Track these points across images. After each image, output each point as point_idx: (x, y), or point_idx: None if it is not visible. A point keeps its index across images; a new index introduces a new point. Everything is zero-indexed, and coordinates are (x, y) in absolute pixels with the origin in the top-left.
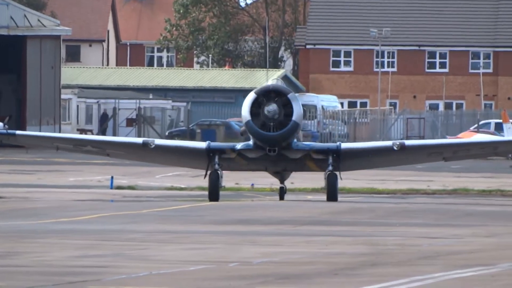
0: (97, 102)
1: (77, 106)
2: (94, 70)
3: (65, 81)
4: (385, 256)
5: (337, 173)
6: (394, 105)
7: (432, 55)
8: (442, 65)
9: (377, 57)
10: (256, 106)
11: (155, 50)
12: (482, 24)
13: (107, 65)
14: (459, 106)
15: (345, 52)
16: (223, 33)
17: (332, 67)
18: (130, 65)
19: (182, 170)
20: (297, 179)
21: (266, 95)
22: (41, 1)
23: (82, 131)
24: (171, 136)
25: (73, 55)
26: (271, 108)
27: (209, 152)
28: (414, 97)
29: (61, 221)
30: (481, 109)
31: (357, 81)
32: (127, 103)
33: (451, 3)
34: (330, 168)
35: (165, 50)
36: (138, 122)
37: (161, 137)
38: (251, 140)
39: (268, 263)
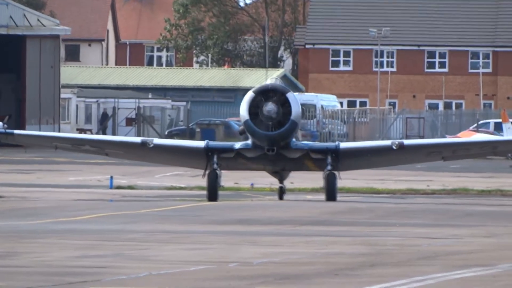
0: (97, 101)
1: (77, 105)
2: (94, 69)
3: (64, 80)
4: (384, 256)
5: (336, 172)
6: (393, 104)
7: (431, 54)
8: (442, 65)
9: (376, 56)
10: (254, 106)
11: (155, 49)
12: (481, 24)
13: (107, 64)
14: (458, 105)
15: (344, 51)
16: (223, 33)
17: (332, 66)
18: (129, 65)
19: (182, 169)
20: (296, 179)
21: (265, 94)
22: (40, 1)
23: (81, 130)
24: (170, 136)
25: (73, 55)
26: (270, 107)
27: (208, 152)
28: (414, 96)
29: (61, 221)
30: (480, 108)
31: (357, 81)
32: (126, 102)
33: (450, 3)
34: (329, 167)
35: (164, 49)
36: (137, 121)
37: (160, 136)
38: (250, 140)
39: (268, 263)
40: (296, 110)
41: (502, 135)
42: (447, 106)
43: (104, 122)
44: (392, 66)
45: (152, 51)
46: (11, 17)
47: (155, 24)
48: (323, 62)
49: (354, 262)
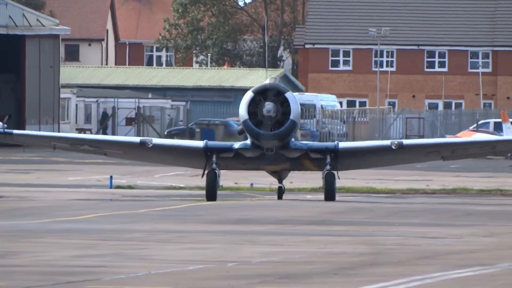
0: (96, 101)
1: (76, 105)
2: (93, 69)
3: (64, 80)
4: (384, 255)
5: (335, 172)
6: (393, 104)
7: (431, 54)
8: (441, 65)
9: (376, 56)
10: (253, 105)
11: (154, 49)
12: (481, 24)
13: (106, 64)
14: (458, 105)
15: (344, 51)
16: (222, 33)
17: (331, 66)
18: (129, 64)
19: (181, 169)
20: (296, 179)
21: (264, 94)
22: (40, 1)
23: (81, 130)
24: (170, 135)
25: (72, 54)
26: (269, 107)
27: (207, 152)
28: (413, 96)
29: (60, 221)
30: (480, 108)
31: (356, 81)
32: (126, 102)
33: (450, 3)
34: (328, 167)
35: (164, 49)
36: (137, 121)
37: (160, 136)
38: (249, 139)
39: (268, 263)
40: (295, 109)
41: (502, 135)
42: (447, 106)
43: (104, 122)
44: (391, 66)
45: (152, 51)
46: (10, 17)
47: (155, 24)
48: (323, 62)
49: (354, 261)
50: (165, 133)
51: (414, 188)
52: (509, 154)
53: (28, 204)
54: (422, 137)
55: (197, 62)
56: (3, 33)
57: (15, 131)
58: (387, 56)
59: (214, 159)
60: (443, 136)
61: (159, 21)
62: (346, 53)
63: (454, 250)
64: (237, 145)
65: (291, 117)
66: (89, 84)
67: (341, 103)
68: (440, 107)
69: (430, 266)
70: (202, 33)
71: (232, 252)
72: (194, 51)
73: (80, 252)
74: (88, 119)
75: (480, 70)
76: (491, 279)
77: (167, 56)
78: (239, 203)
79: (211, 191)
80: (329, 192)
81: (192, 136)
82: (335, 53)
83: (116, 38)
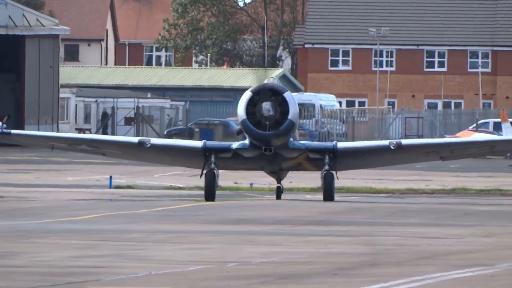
0: (96, 101)
1: (76, 105)
2: (93, 69)
3: (63, 80)
4: (384, 256)
5: (334, 172)
6: (392, 104)
7: (430, 54)
8: (441, 64)
9: (375, 56)
10: (252, 105)
11: (154, 49)
12: (480, 23)
13: (106, 64)
14: (457, 105)
15: (343, 51)
16: (222, 33)
17: (331, 66)
18: (128, 64)
19: (181, 169)
20: (295, 179)
21: (262, 93)
22: (39, 1)
23: (80, 130)
24: (169, 135)
25: (72, 54)
26: (267, 106)
27: (205, 152)
28: (413, 96)
29: (60, 221)
30: (479, 108)
31: (356, 80)
32: (125, 102)
33: (449, 3)
34: (327, 167)
35: (163, 49)
36: (136, 121)
37: (159, 136)
38: (247, 139)
39: (267, 263)
40: (293, 109)
41: (501, 135)
42: (446, 105)
43: (103, 121)
44: (391, 66)
45: (151, 51)
46: (10, 17)
47: (154, 24)
48: (322, 62)
49: (353, 261)
50: (165, 133)
51: (413, 188)
52: (508, 154)
53: (28, 205)
54: (421, 137)
55: (196, 62)
56: (3, 33)
57: (13, 131)
58: (387, 56)
59: (212, 159)
60: (442, 136)
61: (158, 21)
62: (346, 53)
63: (453, 250)
64: (235, 145)
65: (289, 117)
66: (88, 84)
67: (340, 103)
68: (440, 107)
69: (429, 266)
70: (202, 33)
71: (231, 253)
72: (193, 51)
73: (80, 253)
74: (87, 119)
75: (480, 70)
76: (491, 280)
77: (166, 56)
78: (239, 203)
79: (210, 191)
80: (328, 192)
81: (191, 136)
82: (335, 53)
83: (116, 38)
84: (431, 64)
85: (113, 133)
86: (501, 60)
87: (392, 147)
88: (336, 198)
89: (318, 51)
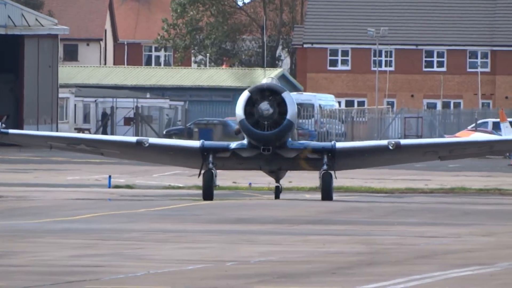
0: (95, 101)
1: (75, 105)
2: (92, 69)
3: (62, 80)
4: (382, 255)
5: (332, 172)
6: (391, 104)
7: (429, 54)
8: (440, 64)
9: (374, 56)
10: (250, 105)
11: (153, 49)
12: (479, 23)
13: (105, 64)
14: (456, 105)
15: (342, 51)
16: (221, 32)
17: (330, 66)
18: (127, 64)
19: (180, 169)
20: (295, 178)
21: (260, 93)
22: (38, 1)
23: (79, 130)
24: (168, 135)
25: (71, 54)
26: (265, 106)
27: (203, 151)
28: (412, 96)
29: (59, 220)
30: (478, 108)
31: (355, 80)
32: (124, 102)
33: (448, 2)
34: (325, 167)
35: (162, 49)
36: (135, 121)
37: (159, 136)
38: (246, 139)
39: (266, 262)
40: (292, 109)
41: (500, 135)
42: (446, 105)
43: (103, 121)
44: (390, 66)
45: (150, 50)
46: (9, 16)
47: (153, 23)
48: (321, 62)
49: (352, 260)
50: (164, 132)
51: (412, 188)
52: (507, 154)
53: (27, 204)
54: (420, 137)
55: (195, 62)
56: (2, 33)
57: (11, 131)
58: (386, 56)
59: (210, 159)
60: (441, 136)
61: (157, 21)
62: (345, 53)
63: (452, 250)
64: (233, 145)
65: (288, 117)
66: (87, 84)
67: (339, 102)
68: (439, 106)
69: (428, 265)
70: (201, 33)
71: (230, 252)
72: (192, 51)
73: (79, 252)
74: (86, 118)
75: (479, 69)
76: (490, 279)
77: (165, 56)
78: (237, 203)
79: (208, 191)
80: (326, 192)
81: (190, 136)
82: (334, 52)
83: (115, 38)
84: (430, 64)
85: (112, 133)
86: (500, 60)
87: (390, 147)
88: (334, 197)
89: (317, 51)
